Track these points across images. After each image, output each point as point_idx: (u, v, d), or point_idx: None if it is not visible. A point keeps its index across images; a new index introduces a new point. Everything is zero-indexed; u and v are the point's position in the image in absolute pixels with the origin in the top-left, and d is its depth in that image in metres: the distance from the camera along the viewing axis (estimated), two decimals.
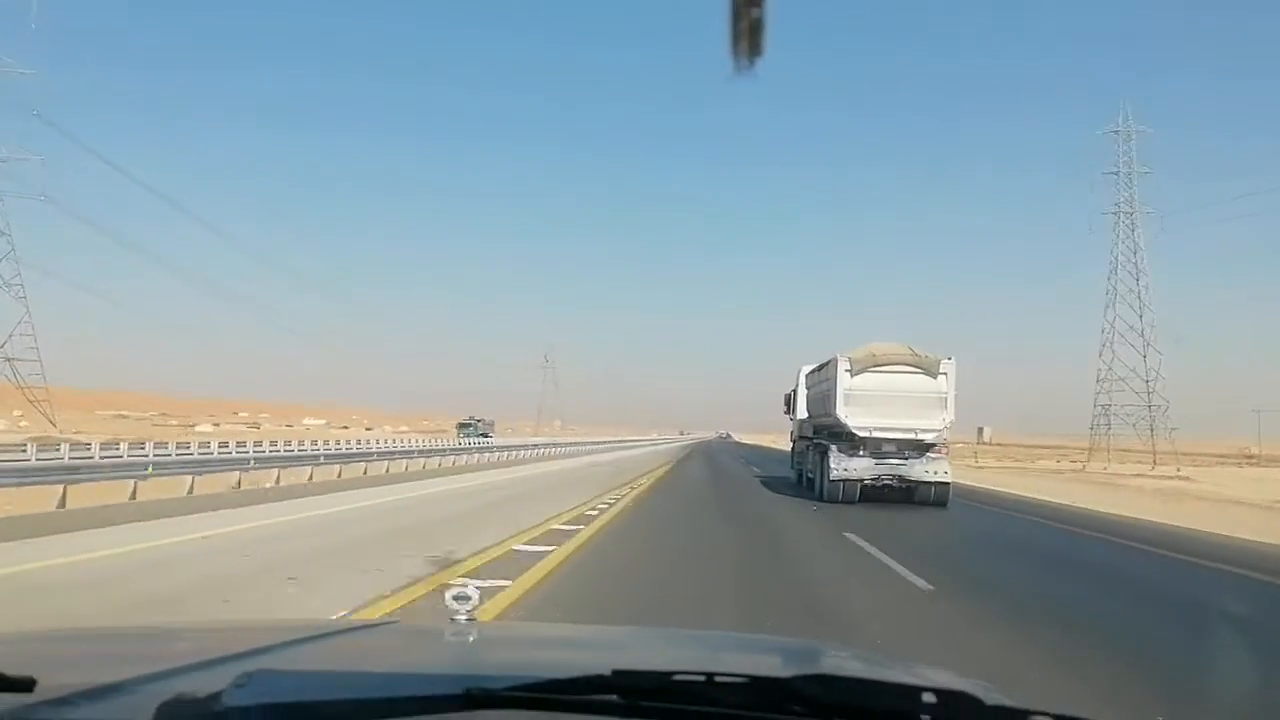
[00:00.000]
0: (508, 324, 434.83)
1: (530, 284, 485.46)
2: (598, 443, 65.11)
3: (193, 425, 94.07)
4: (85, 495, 14.96)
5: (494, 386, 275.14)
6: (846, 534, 13.65)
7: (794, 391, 28.32)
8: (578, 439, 66.71)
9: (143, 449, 18.16)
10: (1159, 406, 62.45)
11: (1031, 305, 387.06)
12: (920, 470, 19.39)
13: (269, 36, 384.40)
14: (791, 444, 29.38)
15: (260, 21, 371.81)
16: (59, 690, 1.13)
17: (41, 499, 14.22)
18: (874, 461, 19.44)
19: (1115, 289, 65.85)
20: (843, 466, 19.43)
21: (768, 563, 10.71)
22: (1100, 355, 65.94)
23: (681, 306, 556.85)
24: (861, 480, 19.53)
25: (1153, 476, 42.66)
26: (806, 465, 24.29)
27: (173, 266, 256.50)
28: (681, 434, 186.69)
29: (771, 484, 27.04)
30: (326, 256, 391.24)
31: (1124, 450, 61.91)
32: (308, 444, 26.80)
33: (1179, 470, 50.23)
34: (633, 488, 22.99)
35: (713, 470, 37.62)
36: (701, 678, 1.14)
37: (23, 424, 73.06)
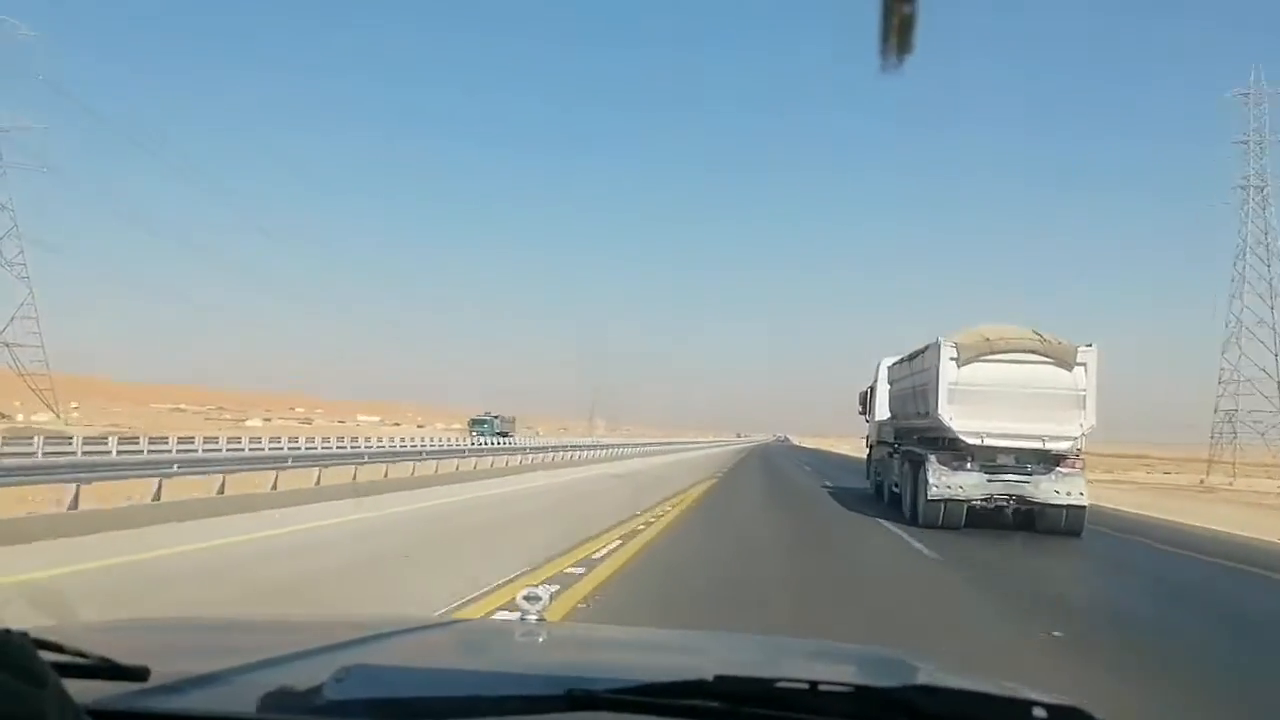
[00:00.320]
0: (562, 323, 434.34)
1: (588, 282, 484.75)
2: (640, 444, 60.52)
3: (243, 420, 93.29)
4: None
5: (545, 384, 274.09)
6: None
7: (871, 388, 24.05)
8: (619, 440, 61.94)
9: (166, 444, 17.49)
10: None
11: (1125, 296, 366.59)
12: (1047, 489, 14.96)
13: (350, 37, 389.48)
14: (868, 450, 24.99)
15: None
16: (170, 679, 1.16)
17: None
18: (986, 477, 15.09)
19: (1243, 275, 58.09)
20: (944, 483, 15.11)
21: None
22: (1224, 354, 57.83)
23: (738, 308, 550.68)
24: (969, 501, 15.21)
25: None
26: (890, 477, 19.98)
27: (248, 270, 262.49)
28: (738, 436, 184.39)
29: (844, 498, 22.72)
30: (389, 255, 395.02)
31: (1249, 463, 54.54)
32: (332, 441, 25.54)
33: None
34: (655, 517, 15.55)
35: (771, 480, 33.29)
36: (805, 685, 1.11)
37: (75, 414, 72.12)
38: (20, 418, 54.55)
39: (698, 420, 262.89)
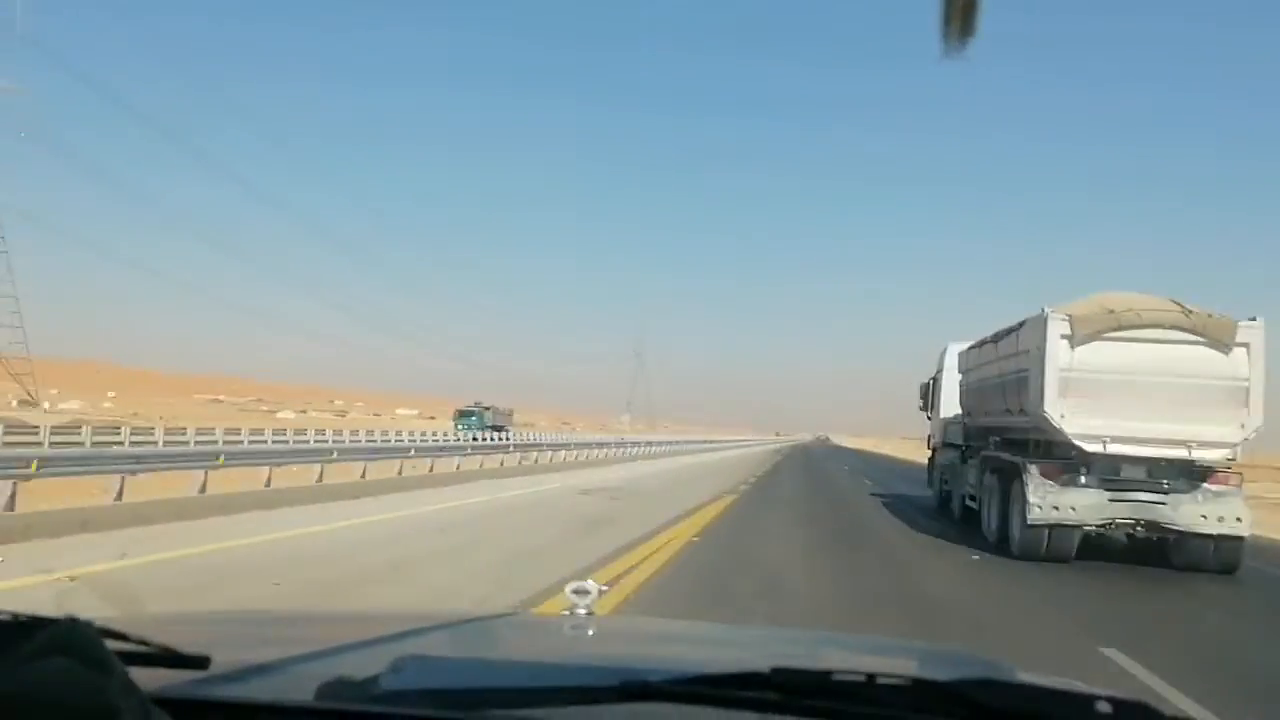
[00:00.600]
0: (606, 321, 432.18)
1: (629, 279, 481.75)
2: (672, 442, 56.45)
3: (275, 412, 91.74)
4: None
5: (588, 382, 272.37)
6: None
7: (934, 380, 20.20)
8: (649, 438, 57.73)
9: (212, 435, 17.67)
10: None
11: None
12: (1190, 513, 11.16)
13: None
14: (930, 453, 21.15)
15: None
16: (230, 668, 1.17)
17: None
18: (1107, 495, 11.34)
19: None
20: (1050, 502, 11.35)
21: None
22: None
23: (779, 307, 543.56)
24: (1083, 525, 11.48)
25: None
26: (962, 488, 16.24)
27: (305, 275, 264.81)
28: (777, 435, 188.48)
29: (904, 511, 18.98)
30: (428, 253, 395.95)
31: None
32: (362, 434, 25.04)
33: None
34: (653, 550, 10.85)
35: (813, 488, 29.55)
36: (862, 678, 1.07)
37: (106, 405, 70.44)
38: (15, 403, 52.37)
39: (738, 419, 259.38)
